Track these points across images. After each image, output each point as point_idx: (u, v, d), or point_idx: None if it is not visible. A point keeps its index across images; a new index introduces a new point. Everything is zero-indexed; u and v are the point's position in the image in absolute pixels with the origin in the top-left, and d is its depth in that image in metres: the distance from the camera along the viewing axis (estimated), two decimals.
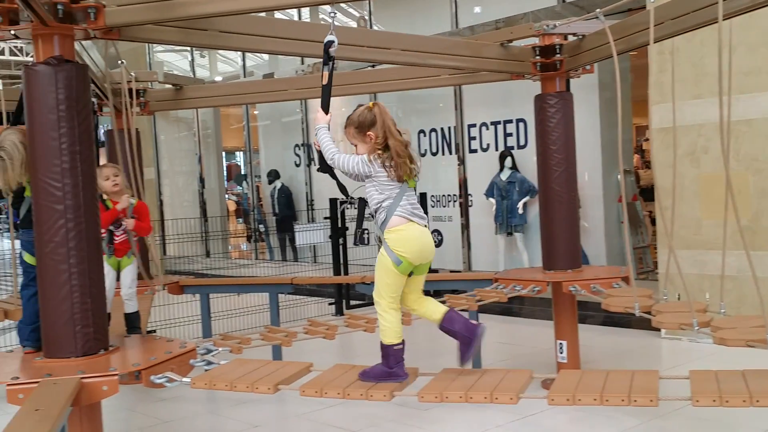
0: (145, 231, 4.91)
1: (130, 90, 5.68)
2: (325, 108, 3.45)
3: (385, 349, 3.43)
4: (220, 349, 4.15)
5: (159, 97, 7.13)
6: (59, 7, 3.32)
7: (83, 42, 4.03)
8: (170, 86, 7.24)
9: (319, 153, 3.44)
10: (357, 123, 3.33)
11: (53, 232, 3.44)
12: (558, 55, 5.56)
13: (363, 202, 3.47)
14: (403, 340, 3.47)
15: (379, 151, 3.30)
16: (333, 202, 9.93)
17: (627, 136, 9.51)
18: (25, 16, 3.36)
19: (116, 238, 4.67)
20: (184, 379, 3.52)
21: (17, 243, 4.02)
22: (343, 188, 3.53)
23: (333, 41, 3.36)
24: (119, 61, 5.28)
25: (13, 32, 3.46)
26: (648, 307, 4.50)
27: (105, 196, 4.65)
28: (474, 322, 3.58)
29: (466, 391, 3.22)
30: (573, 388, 3.14)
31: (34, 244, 3.59)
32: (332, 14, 3.43)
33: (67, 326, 3.50)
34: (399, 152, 3.29)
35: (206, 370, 3.77)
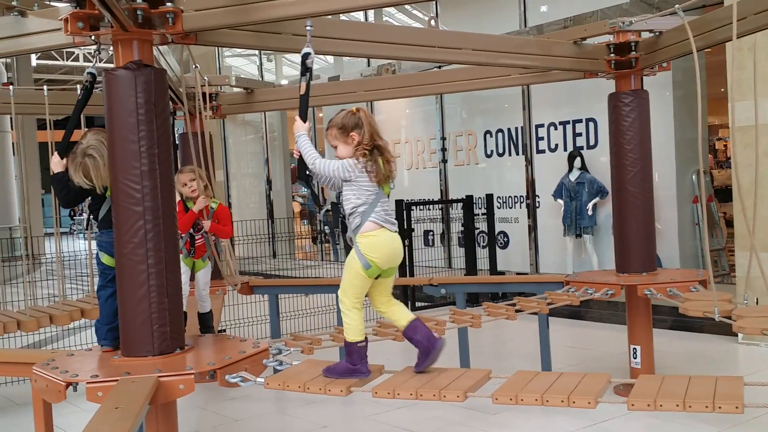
0: (225, 234, 4.98)
1: (203, 94, 5.78)
2: (303, 116, 3.51)
3: (350, 346, 3.54)
4: (292, 349, 4.17)
5: (230, 100, 7.25)
6: (139, 12, 3.38)
7: (159, 47, 4.10)
8: (241, 90, 7.35)
9: (300, 160, 3.50)
10: (341, 125, 3.44)
11: (132, 234, 3.50)
12: (633, 53, 5.45)
13: (336, 207, 3.53)
14: (366, 338, 3.57)
15: (366, 151, 3.41)
16: (399, 203, 9.94)
17: (702, 135, 9.26)
18: (106, 21, 3.44)
19: (197, 242, 4.75)
20: (258, 379, 3.54)
21: (95, 244, 4.09)
22: (316, 197, 3.57)
23: (309, 53, 3.46)
24: (193, 66, 5.37)
25: (93, 37, 3.55)
26: (727, 312, 4.36)
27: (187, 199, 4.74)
28: (436, 335, 3.64)
29: (541, 393, 3.16)
30: (654, 393, 3.05)
31: (112, 245, 3.66)
32: (309, 27, 3.49)
33: (144, 325, 3.56)
34: (386, 151, 3.46)
35: (278, 370, 3.79)
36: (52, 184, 3.97)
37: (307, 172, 3.53)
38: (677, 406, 2.95)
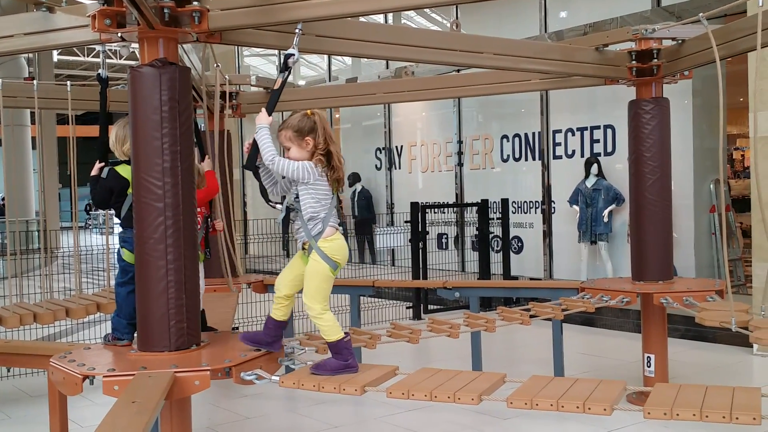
0: (214, 188, 4.96)
1: (224, 92, 5.81)
2: (270, 110, 3.55)
3: (336, 345, 3.61)
4: (306, 348, 4.18)
5: (250, 99, 7.27)
6: (166, 10, 3.40)
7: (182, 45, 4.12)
8: (260, 89, 7.37)
9: (249, 150, 3.55)
10: (297, 127, 3.50)
11: (152, 229, 3.52)
12: (655, 60, 5.44)
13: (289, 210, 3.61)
14: (347, 333, 3.67)
15: (321, 158, 3.50)
16: (414, 206, 9.94)
17: (723, 145, 9.20)
18: (133, 19, 3.46)
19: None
20: (273, 377, 3.55)
21: (115, 239, 4.14)
22: (265, 191, 3.60)
23: (293, 54, 3.52)
24: (215, 65, 5.40)
25: (120, 35, 3.57)
26: (745, 323, 4.35)
27: None
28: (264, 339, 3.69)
29: (557, 399, 3.15)
30: (670, 402, 3.04)
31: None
32: (298, 30, 3.53)
33: (161, 321, 3.57)
34: (340, 159, 3.55)
35: (291, 369, 3.81)
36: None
37: (257, 164, 3.58)
38: (694, 415, 2.94)
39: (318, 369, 3.61)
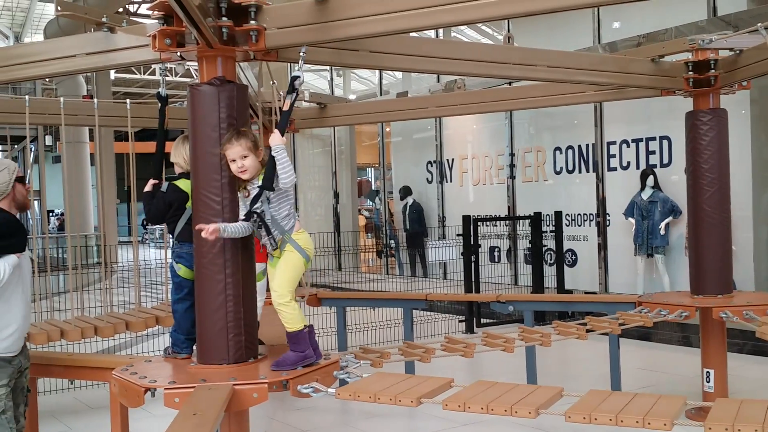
0: None
1: (279, 108, 5.89)
2: (283, 131, 3.59)
3: (296, 335, 3.65)
4: (361, 362, 4.20)
5: (304, 115, 7.36)
6: (224, 30, 3.47)
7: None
8: (314, 105, 7.45)
9: (270, 170, 3.56)
10: (254, 139, 3.63)
11: (211, 244, 3.59)
12: (713, 71, 5.37)
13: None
14: (309, 324, 3.72)
15: None
16: (466, 219, 9.92)
17: None
18: (192, 38, 3.55)
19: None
20: (330, 390, 3.57)
21: (171, 254, 4.15)
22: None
23: (299, 77, 3.57)
24: (271, 82, 5.49)
25: (179, 54, 3.66)
26: None
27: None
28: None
29: (616, 413, 3.11)
30: (732, 418, 2.98)
31: (192, 258, 3.75)
32: (302, 53, 3.57)
33: (220, 334, 3.63)
34: None
35: (346, 382, 3.83)
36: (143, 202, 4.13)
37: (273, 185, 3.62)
38: (756, 431, 2.87)
39: (278, 366, 3.61)
